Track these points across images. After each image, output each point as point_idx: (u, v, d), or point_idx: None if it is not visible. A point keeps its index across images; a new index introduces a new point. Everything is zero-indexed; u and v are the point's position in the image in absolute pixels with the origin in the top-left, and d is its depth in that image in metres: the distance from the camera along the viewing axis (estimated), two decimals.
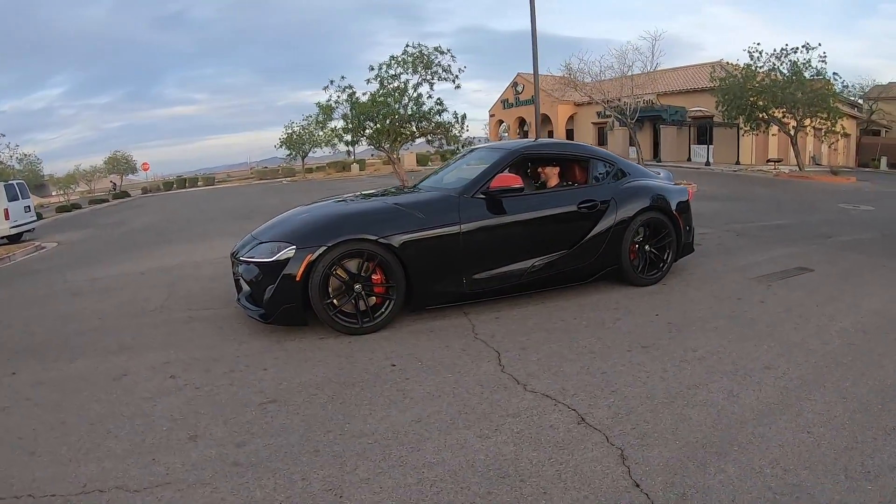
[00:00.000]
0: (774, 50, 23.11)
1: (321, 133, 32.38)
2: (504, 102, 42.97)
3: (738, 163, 28.74)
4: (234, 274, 4.40)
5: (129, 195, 33.20)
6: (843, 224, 9.67)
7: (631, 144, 33.57)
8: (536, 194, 4.66)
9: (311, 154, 35.75)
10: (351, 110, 11.11)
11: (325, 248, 3.68)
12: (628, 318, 4.18)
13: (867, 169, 34.37)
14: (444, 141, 12.18)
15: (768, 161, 27.22)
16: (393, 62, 11.00)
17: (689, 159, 30.45)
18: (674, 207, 5.21)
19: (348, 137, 11.26)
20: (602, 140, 38.70)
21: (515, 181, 4.28)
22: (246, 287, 4.17)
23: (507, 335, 3.81)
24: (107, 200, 29.61)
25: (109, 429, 2.77)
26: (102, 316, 4.97)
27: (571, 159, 5.12)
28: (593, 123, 38.77)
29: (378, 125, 11.04)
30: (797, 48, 22.51)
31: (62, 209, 24.92)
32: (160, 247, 9.45)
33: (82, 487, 2.25)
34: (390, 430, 2.55)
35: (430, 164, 37.53)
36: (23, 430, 2.81)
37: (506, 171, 4.42)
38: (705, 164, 27.19)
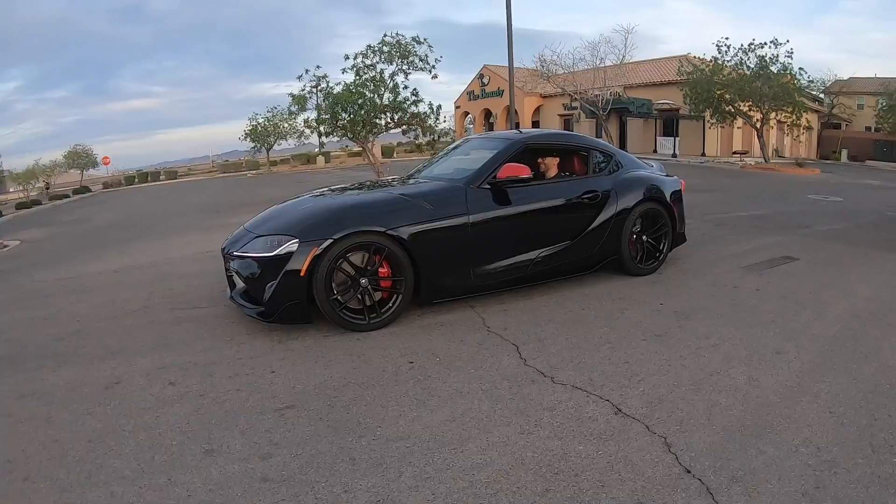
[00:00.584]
0: (742, 45, 23.87)
1: (286, 125, 32.09)
2: (470, 94, 43.04)
3: (703, 154, 29.53)
4: (226, 270, 4.24)
5: (89, 190, 31.91)
6: (815, 214, 10.05)
7: (598, 136, 34.13)
8: (541, 185, 4.65)
9: (275, 147, 35.36)
10: (325, 100, 10.94)
11: (331, 240, 3.56)
12: (635, 308, 4.24)
13: (829, 161, 36.10)
14: (419, 132, 12.11)
15: (734, 153, 28.10)
16: (369, 51, 10.90)
17: (655, 151, 31.11)
18: (669, 198, 5.32)
19: (322, 128, 11.07)
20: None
21: (524, 171, 4.26)
22: (240, 284, 4.01)
23: (519, 327, 3.81)
24: (67, 196, 28.37)
25: (111, 446, 2.52)
26: (81, 318, 4.67)
27: (572, 150, 5.14)
28: (559, 115, 39.20)
29: (353, 115, 10.90)
30: (765, 43, 23.30)
31: (22, 206, 23.78)
32: (130, 243, 9.06)
33: None
34: (427, 432, 2.49)
35: (395, 155, 37.47)
36: (11, 452, 2.52)
37: (511, 161, 4.40)
38: (672, 156, 27.83)
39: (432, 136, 12.25)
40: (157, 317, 4.51)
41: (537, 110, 40.46)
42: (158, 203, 18.30)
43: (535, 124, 40.34)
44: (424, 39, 10.85)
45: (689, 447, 2.32)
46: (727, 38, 24.62)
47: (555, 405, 2.71)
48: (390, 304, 3.83)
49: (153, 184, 34.66)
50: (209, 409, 2.81)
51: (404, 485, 2.12)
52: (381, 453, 2.33)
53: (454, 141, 11.33)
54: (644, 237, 5.17)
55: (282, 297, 3.58)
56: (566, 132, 6.46)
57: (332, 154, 39.32)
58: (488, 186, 4.25)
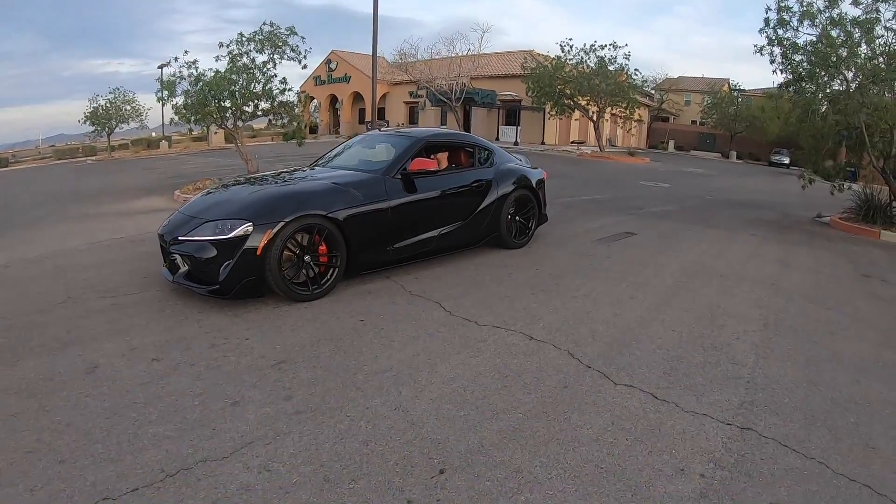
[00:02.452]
0: (584, 45, 27.11)
1: (129, 108, 29.94)
2: (316, 79, 42.83)
3: (543, 143, 32.76)
4: (168, 254, 4.56)
5: None
6: (648, 198, 12.38)
7: (443, 124, 36.32)
8: (440, 175, 5.62)
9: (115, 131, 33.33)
10: (194, 86, 10.91)
11: (283, 223, 4.19)
12: (518, 273, 5.46)
13: (657, 150, 42.09)
14: (287, 120, 12.52)
15: (572, 142, 31.64)
16: (244, 39, 11.11)
17: (497, 139, 33.87)
18: (535, 185, 6.64)
19: (189, 115, 10.98)
20: (413, 119, 40.95)
21: (431, 164, 5.26)
22: (183, 266, 4.46)
23: (435, 290, 4.80)
24: None
25: (134, 416, 2.73)
26: (5, 315, 4.34)
27: (461, 146, 6.23)
28: (405, 102, 40.80)
29: (226, 102, 11.04)
30: (605, 45, 26.68)
31: None
32: None
33: (167, 472, 2.33)
34: (403, 364, 3.34)
35: (237, 142, 36.69)
36: (23, 444, 2.55)
37: (417, 155, 5.35)
38: (514, 144, 30.59)
39: (299, 124, 12.76)
40: (90, 306, 4.50)
41: (384, 97, 41.56)
42: (1, 192, 16.37)
43: (381, 111, 41.43)
44: (297, 31, 11.35)
45: (585, 355, 3.52)
46: (570, 39, 27.90)
47: (485, 338, 3.76)
48: (328, 277, 4.56)
49: None
50: (208, 374, 3.23)
51: (407, 397, 2.97)
52: (377, 381, 3.14)
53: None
54: (517, 217, 6.45)
55: (239, 275, 4.13)
56: (458, 132, 7.49)
57: (173, 139, 37.32)
58: (400, 177, 5.16)
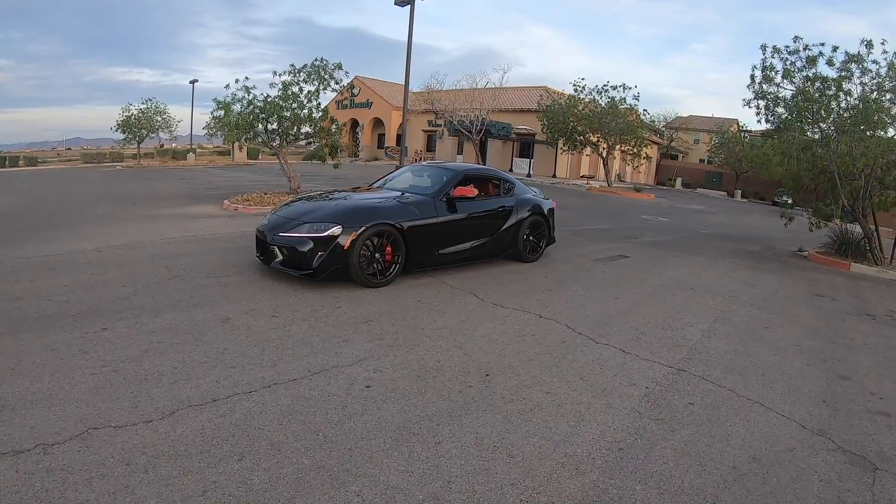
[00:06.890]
0: (596, 85, 29.20)
1: (159, 119, 31.89)
2: (338, 103, 45.03)
3: (554, 176, 34.55)
4: (267, 245, 6.06)
5: None
6: (645, 229, 14.03)
7: (459, 153, 38.29)
8: (475, 200, 7.29)
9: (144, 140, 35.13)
10: (247, 108, 12.69)
11: (364, 227, 5.84)
12: (532, 279, 7.07)
13: (664, 187, 43.75)
14: (323, 143, 14.32)
15: (582, 176, 33.46)
16: (295, 70, 12.99)
17: (511, 170, 35.63)
18: (546, 213, 8.32)
19: (238, 133, 12.61)
20: (431, 147, 42.98)
21: (471, 192, 6.95)
22: (280, 256, 6.01)
23: (469, 285, 6.42)
24: None
25: (275, 347, 4.05)
26: (126, 284, 5.51)
27: (489, 179, 7.94)
28: (423, 130, 42.81)
29: (273, 124, 12.86)
30: (616, 86, 28.75)
31: None
32: (66, 230, 9.17)
33: (312, 372, 3.86)
34: (454, 325, 4.94)
35: (259, 157, 39.11)
36: (197, 358, 3.81)
37: (459, 184, 7.04)
38: (527, 176, 32.37)
39: (338, 149, 14.54)
40: (199, 282, 5.81)
41: (402, 125, 43.57)
42: (48, 191, 17.50)
43: (399, 138, 43.58)
44: (342, 66, 13.20)
45: (578, 327, 5.14)
46: (583, 79, 30.02)
47: (508, 315, 5.37)
48: (392, 271, 6.18)
49: (13, 169, 32.45)
50: (318, 326, 4.75)
51: (460, 341, 4.56)
52: (439, 333, 4.73)
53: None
54: (531, 237, 8.10)
55: (329, 264, 5.75)
56: (488, 167, 9.19)
57: (197, 152, 39.59)
58: (445, 200, 6.84)
